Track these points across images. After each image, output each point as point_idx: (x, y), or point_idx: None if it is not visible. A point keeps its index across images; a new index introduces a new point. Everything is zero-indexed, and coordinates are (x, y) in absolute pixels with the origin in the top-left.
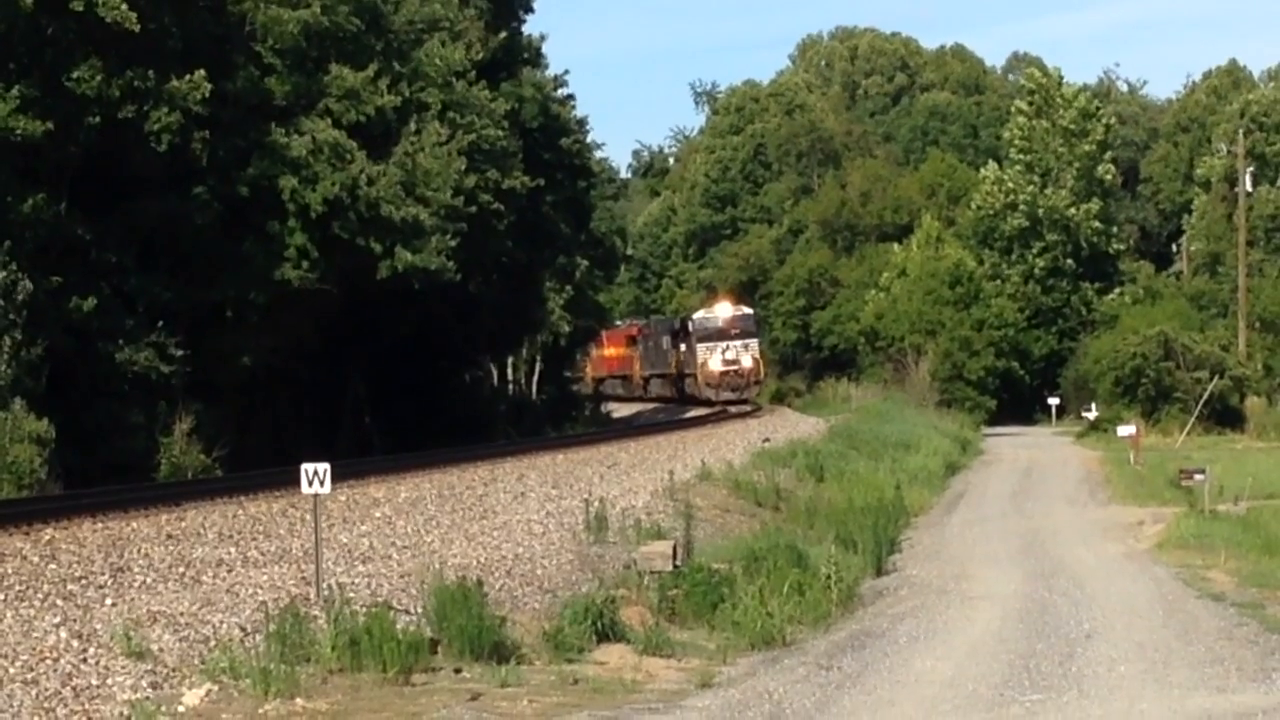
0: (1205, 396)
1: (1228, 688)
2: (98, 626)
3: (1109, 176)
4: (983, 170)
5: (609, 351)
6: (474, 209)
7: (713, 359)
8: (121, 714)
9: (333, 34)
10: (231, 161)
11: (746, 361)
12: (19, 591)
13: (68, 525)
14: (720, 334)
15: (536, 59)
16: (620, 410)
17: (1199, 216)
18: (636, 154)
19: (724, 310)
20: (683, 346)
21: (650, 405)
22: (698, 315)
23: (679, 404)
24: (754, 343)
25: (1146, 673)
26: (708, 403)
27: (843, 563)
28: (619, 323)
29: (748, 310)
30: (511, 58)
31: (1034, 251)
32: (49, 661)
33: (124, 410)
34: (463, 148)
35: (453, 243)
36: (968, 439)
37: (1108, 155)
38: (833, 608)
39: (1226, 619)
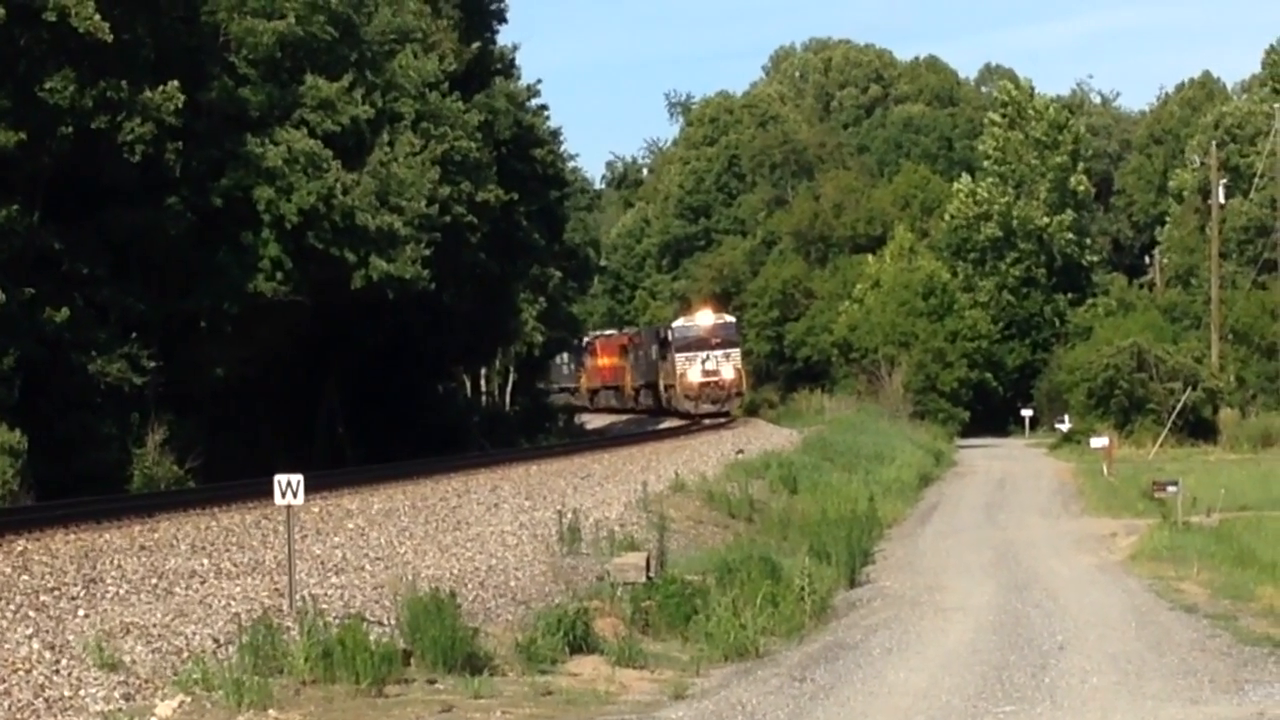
0: (1178, 408)
1: (1200, 699)
2: (70, 638)
3: (1081, 188)
4: (956, 183)
5: (602, 361)
6: (448, 219)
7: (692, 370)
8: None
9: (307, 44)
10: (205, 172)
11: (728, 373)
12: None
13: (40, 536)
14: (700, 343)
15: (509, 70)
16: (594, 421)
17: (1172, 228)
18: (610, 165)
19: (705, 318)
20: (662, 356)
21: (624, 417)
22: (677, 324)
23: (658, 415)
24: (735, 352)
25: (1119, 684)
26: (686, 415)
27: (816, 574)
28: (610, 332)
29: (729, 318)
30: (484, 69)
31: (1007, 262)
32: (21, 673)
33: (97, 421)
34: (436, 158)
35: (427, 252)
36: (941, 450)
37: (1080, 167)
38: (806, 619)
39: (1199, 631)
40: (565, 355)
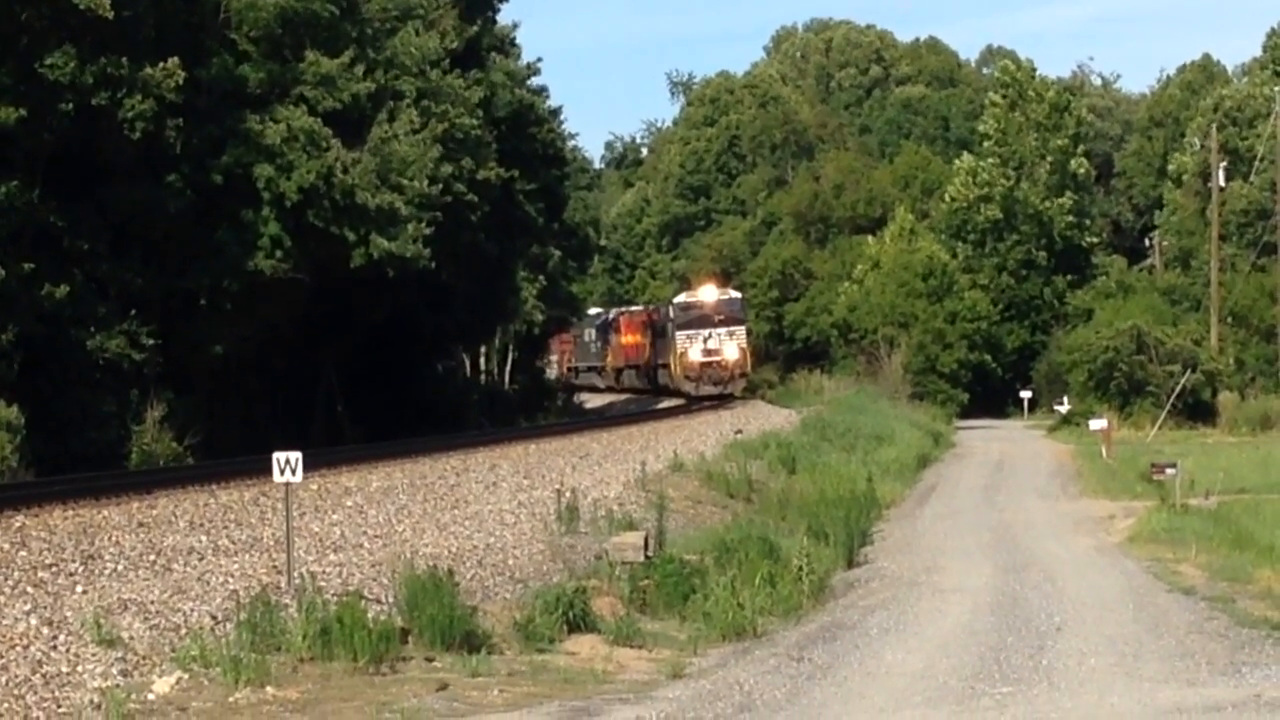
0: (1177, 390)
1: (1198, 681)
2: (68, 614)
3: (1082, 170)
4: (957, 161)
5: (626, 339)
6: (448, 198)
7: (692, 348)
8: (92, 701)
9: (308, 20)
10: (205, 149)
11: (731, 352)
12: None
13: (38, 513)
14: (702, 320)
15: (509, 48)
16: (593, 401)
17: (1171, 211)
18: (610, 145)
19: (708, 294)
20: (663, 333)
21: (623, 396)
22: (678, 299)
23: (666, 395)
24: (740, 330)
25: (1117, 666)
26: (686, 395)
27: (814, 554)
28: (635, 308)
29: (735, 294)
30: (485, 47)
31: (1007, 244)
32: (19, 649)
33: (96, 398)
34: (437, 135)
35: (427, 230)
36: (940, 432)
37: (1080, 149)
38: (804, 599)
39: (1197, 613)
40: (593, 332)
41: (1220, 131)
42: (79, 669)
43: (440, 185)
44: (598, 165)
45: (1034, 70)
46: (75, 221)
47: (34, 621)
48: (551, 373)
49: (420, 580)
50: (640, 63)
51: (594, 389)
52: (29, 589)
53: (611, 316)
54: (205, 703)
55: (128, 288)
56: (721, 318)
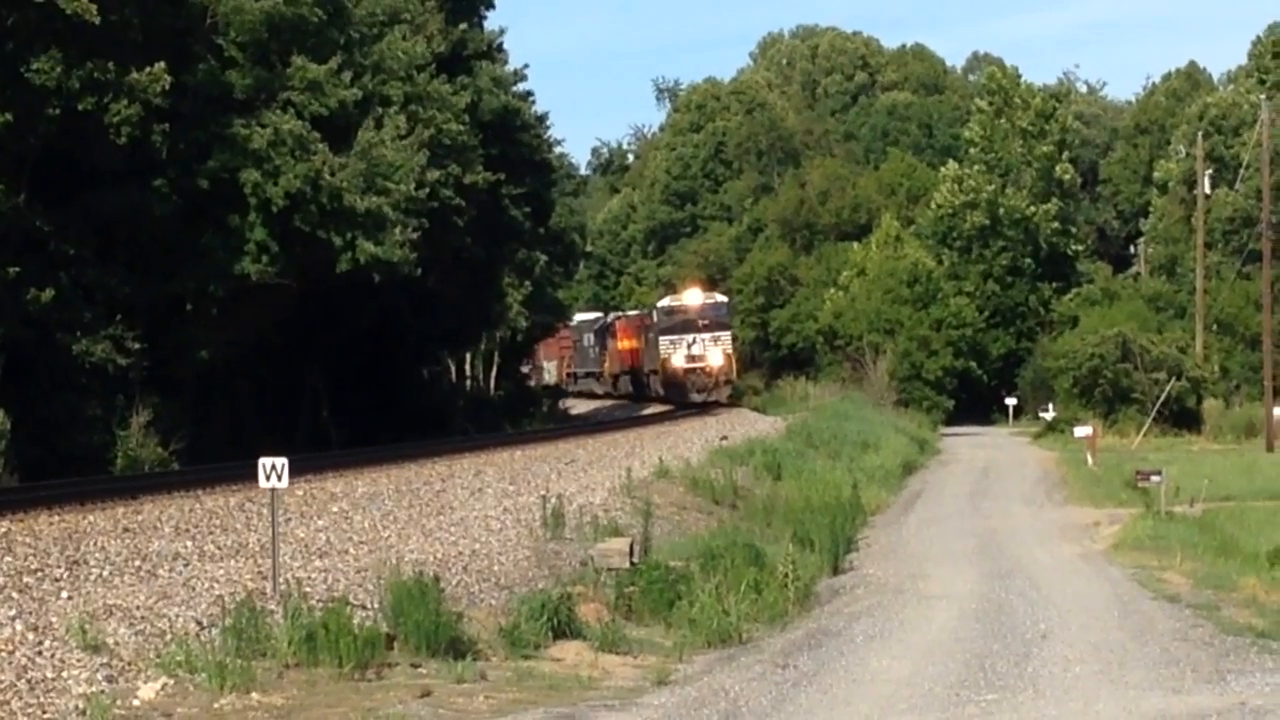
0: (1162, 398)
1: (1183, 689)
2: (53, 619)
3: (1067, 177)
4: (942, 169)
5: (622, 344)
6: (435, 204)
7: (676, 354)
8: (77, 707)
9: (295, 26)
10: (192, 154)
11: (715, 358)
12: None
13: (24, 518)
14: (686, 325)
15: (495, 54)
16: (580, 406)
17: (1157, 219)
18: (596, 151)
19: (693, 298)
20: (650, 338)
21: (609, 402)
22: (662, 303)
23: (654, 402)
24: (725, 335)
25: (1102, 673)
26: (669, 400)
27: (800, 561)
28: (632, 312)
29: (720, 298)
30: (471, 52)
31: (993, 251)
32: (4, 654)
33: (81, 402)
34: (423, 140)
35: (414, 235)
36: (925, 438)
37: (1066, 156)
38: (789, 606)
39: (1182, 620)
40: (591, 337)
41: (1206, 139)
42: (64, 675)
43: (427, 190)
44: (584, 172)
45: (1020, 77)
46: (61, 226)
47: (19, 627)
48: (550, 379)
49: (406, 586)
50: (626, 69)
51: (592, 395)
52: (14, 594)
53: (609, 320)
54: (190, 709)
55: (114, 292)
56: (706, 322)
